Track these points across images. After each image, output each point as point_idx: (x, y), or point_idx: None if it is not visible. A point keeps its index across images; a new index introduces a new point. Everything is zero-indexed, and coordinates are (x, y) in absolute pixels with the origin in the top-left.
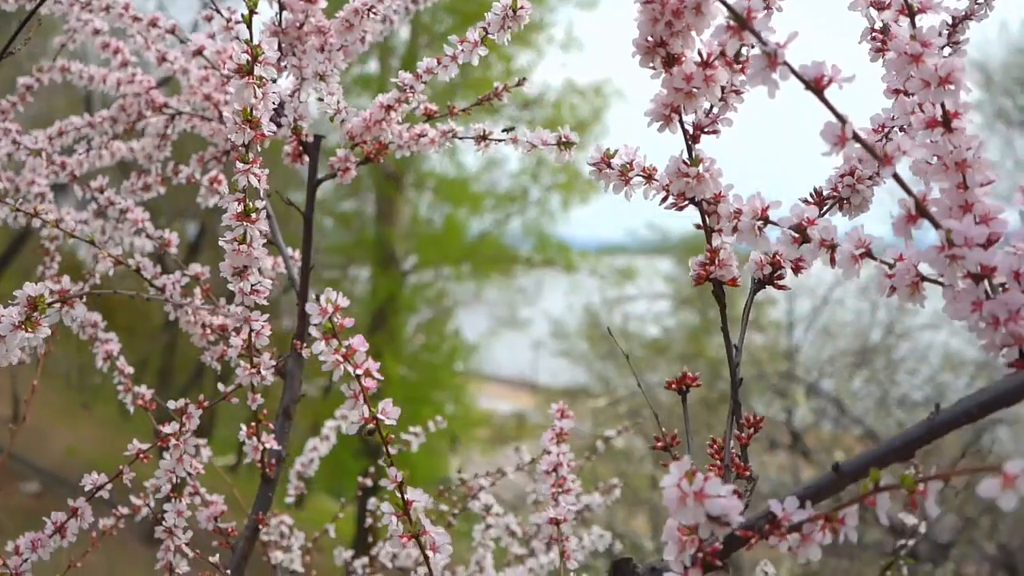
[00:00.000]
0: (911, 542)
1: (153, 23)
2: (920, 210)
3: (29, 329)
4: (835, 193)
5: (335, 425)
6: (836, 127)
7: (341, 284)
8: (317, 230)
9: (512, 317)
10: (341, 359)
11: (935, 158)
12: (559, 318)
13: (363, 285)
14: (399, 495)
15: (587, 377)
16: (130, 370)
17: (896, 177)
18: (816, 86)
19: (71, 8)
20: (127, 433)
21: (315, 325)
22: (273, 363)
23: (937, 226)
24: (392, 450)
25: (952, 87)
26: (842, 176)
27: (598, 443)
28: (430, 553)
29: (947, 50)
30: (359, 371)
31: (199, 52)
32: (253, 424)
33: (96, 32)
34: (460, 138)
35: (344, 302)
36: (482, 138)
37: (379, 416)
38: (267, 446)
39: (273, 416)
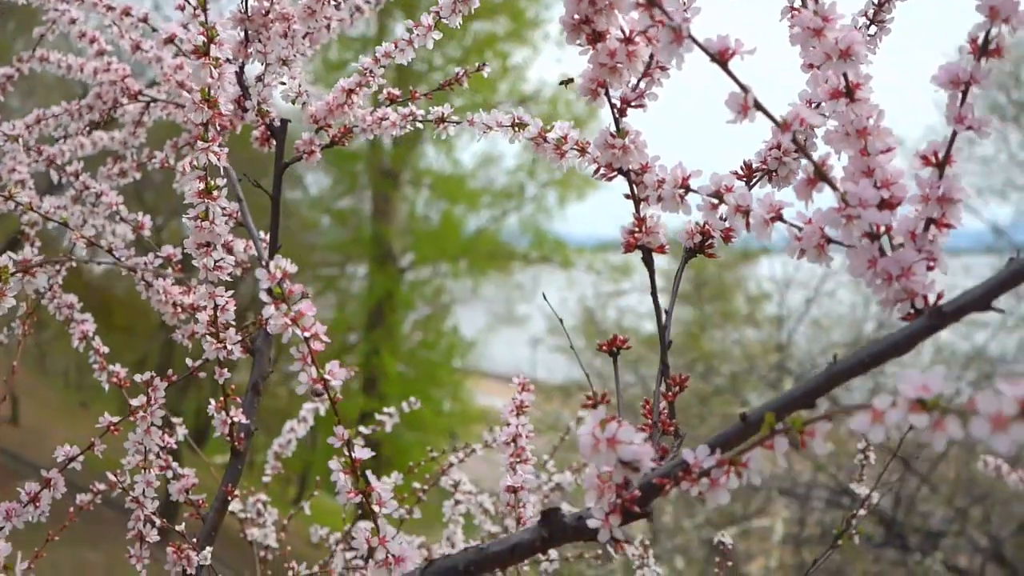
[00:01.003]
0: (861, 512)
1: (126, 12)
2: (819, 174)
3: None
4: (763, 165)
5: (313, 407)
6: (739, 97)
7: (338, 281)
8: (315, 228)
9: (509, 313)
10: (290, 322)
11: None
12: (555, 314)
13: (360, 282)
14: (347, 453)
15: (584, 373)
16: (105, 350)
17: (796, 143)
18: (721, 58)
19: None
20: (125, 431)
21: (265, 290)
22: (239, 338)
23: (835, 188)
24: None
25: (853, 59)
26: (770, 149)
27: (571, 424)
28: (376, 508)
29: (872, 28)
30: (307, 334)
31: (171, 40)
32: (221, 398)
33: (73, 21)
34: (421, 121)
35: (292, 268)
36: (440, 120)
37: (327, 377)
38: (235, 420)
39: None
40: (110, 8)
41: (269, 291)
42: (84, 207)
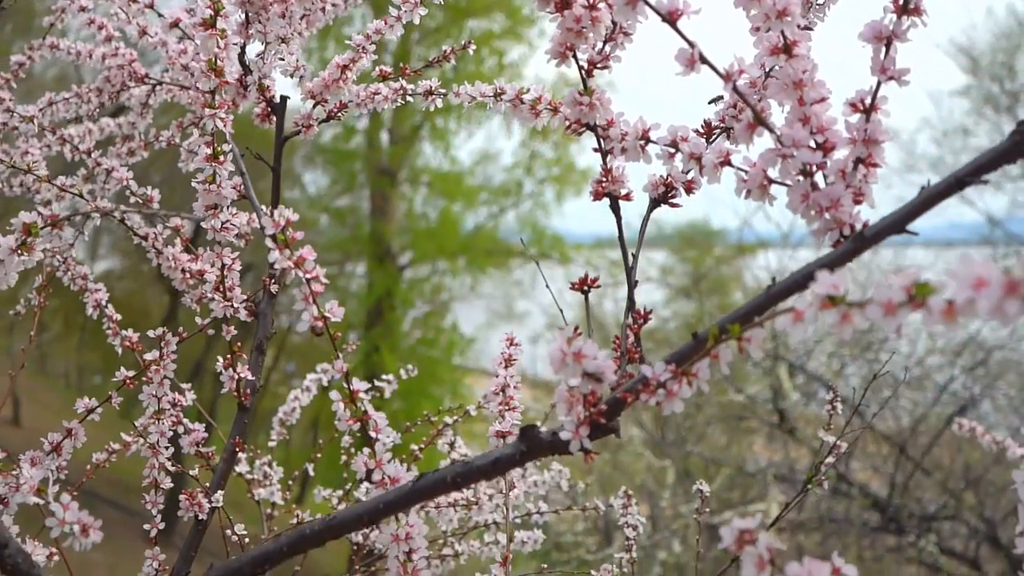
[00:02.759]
0: (831, 460)
1: None
2: (757, 119)
3: (24, 252)
4: (722, 123)
5: (316, 378)
6: (687, 52)
7: (337, 280)
8: (313, 227)
9: (508, 310)
10: (293, 265)
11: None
12: (554, 310)
13: (359, 280)
14: (346, 385)
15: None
16: (118, 317)
17: (736, 91)
18: (670, 18)
19: None
20: (126, 431)
21: (269, 236)
22: (244, 297)
23: (772, 132)
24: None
25: (789, 19)
26: (728, 108)
27: None
28: (373, 434)
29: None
30: (309, 276)
31: (175, 24)
32: (229, 356)
33: (83, 9)
34: (410, 94)
35: (294, 217)
36: (428, 93)
37: (327, 315)
38: (242, 376)
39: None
40: None
41: (273, 237)
42: (96, 185)
